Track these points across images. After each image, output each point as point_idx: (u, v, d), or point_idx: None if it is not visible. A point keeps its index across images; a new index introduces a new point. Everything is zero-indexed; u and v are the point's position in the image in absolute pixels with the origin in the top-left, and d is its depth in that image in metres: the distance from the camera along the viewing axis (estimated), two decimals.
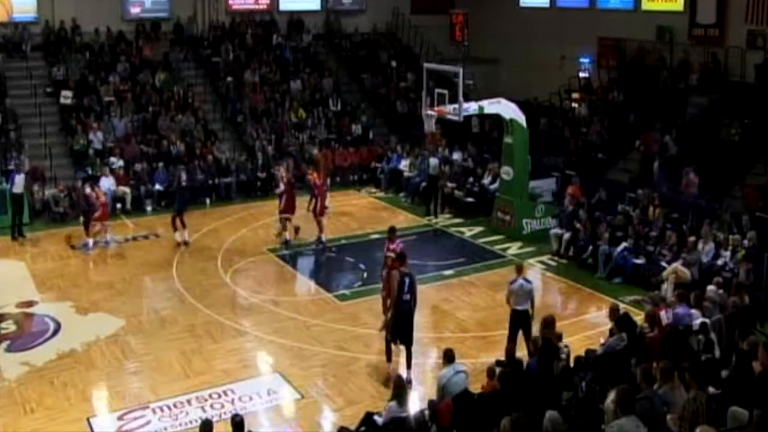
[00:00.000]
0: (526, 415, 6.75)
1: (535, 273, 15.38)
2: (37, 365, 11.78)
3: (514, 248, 17.24)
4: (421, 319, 12.88)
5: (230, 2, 27.05)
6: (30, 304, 14.23)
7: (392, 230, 13.99)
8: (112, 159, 20.79)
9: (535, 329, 11.19)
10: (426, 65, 18.52)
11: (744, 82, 19.95)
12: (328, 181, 19.57)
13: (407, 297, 10.95)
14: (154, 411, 10.45)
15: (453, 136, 22.33)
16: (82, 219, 17.89)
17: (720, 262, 14.06)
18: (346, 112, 25.18)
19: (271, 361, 12.09)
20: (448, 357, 9.37)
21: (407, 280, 10.97)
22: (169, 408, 10.51)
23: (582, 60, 24.52)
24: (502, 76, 26.36)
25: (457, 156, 21.72)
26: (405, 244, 16.52)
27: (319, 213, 17.28)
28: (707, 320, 10.34)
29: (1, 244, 17.51)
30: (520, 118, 17.85)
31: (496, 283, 15.10)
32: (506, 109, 17.72)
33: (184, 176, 18.50)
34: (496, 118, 19.27)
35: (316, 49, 27.50)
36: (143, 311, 13.97)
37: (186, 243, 17.27)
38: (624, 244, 15.38)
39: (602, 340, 10.44)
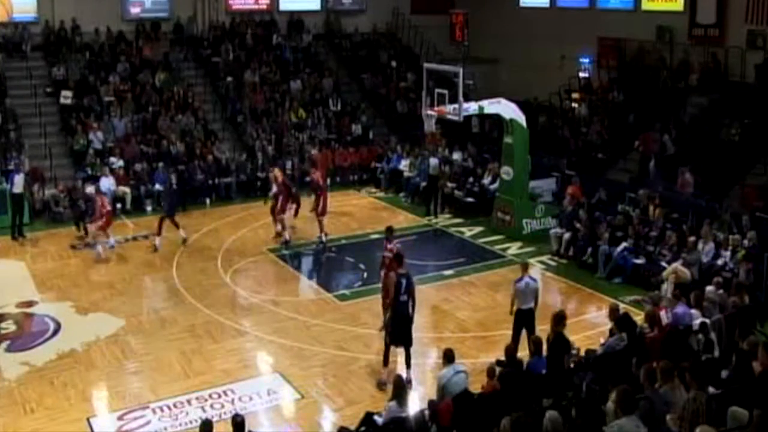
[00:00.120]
0: (526, 415, 6.75)
1: (535, 273, 15.31)
2: (37, 365, 11.78)
3: (514, 248, 17.25)
4: (421, 319, 12.88)
5: (230, 2, 27.05)
6: (30, 304, 14.23)
7: (390, 230, 13.99)
8: (112, 159, 20.80)
9: (538, 328, 11.23)
10: (426, 65, 18.52)
11: (744, 82, 19.95)
12: (328, 180, 19.60)
13: (404, 298, 10.92)
14: (154, 411, 10.45)
15: (453, 136, 22.33)
16: (74, 219, 18.00)
17: (720, 262, 14.06)
18: (346, 112, 25.19)
19: (271, 361, 12.09)
20: (448, 357, 9.36)
21: (404, 282, 10.93)
22: (169, 408, 10.51)
23: (582, 60, 24.52)
24: (502, 76, 26.36)
25: (457, 156, 21.72)
26: (405, 244, 16.62)
27: (320, 213, 17.28)
28: (707, 320, 10.35)
29: (1, 244, 17.51)
30: (520, 118, 17.85)
31: (496, 283, 15.13)
32: (506, 109, 17.72)
33: (174, 178, 18.50)
34: (496, 118, 19.27)
35: (316, 49, 27.50)
36: (143, 311, 13.97)
37: (184, 241, 17.29)
38: (624, 244, 15.38)
39: (602, 340, 10.44)
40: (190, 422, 10.12)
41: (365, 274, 15.49)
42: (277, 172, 18.10)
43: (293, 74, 25.78)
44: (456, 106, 16.68)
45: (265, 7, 27.62)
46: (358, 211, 20.38)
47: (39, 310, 13.95)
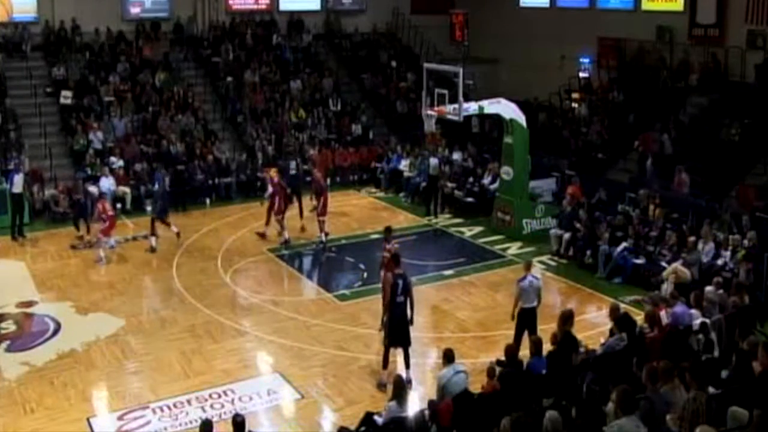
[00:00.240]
0: (526, 415, 6.75)
1: (536, 272, 15.33)
2: (37, 365, 11.78)
3: (514, 248, 17.25)
4: (421, 319, 12.88)
5: (230, 2, 27.06)
6: (30, 304, 14.23)
7: (388, 230, 14.01)
8: (112, 159, 20.79)
9: (539, 328, 11.24)
10: (426, 65, 18.52)
11: (744, 82, 19.96)
12: (328, 180, 19.61)
13: (401, 299, 10.90)
14: (154, 411, 10.45)
15: (453, 136, 22.33)
16: (80, 219, 18.03)
17: (720, 262, 14.06)
18: (346, 112, 25.19)
19: (271, 361, 12.09)
20: (448, 357, 9.36)
21: (401, 282, 10.91)
22: (169, 408, 10.51)
23: (582, 60, 24.53)
24: (502, 76, 26.37)
25: (457, 156, 21.72)
26: (405, 244, 16.67)
27: (320, 213, 17.28)
28: (707, 320, 10.35)
29: (1, 244, 17.51)
30: (520, 118, 17.85)
31: (496, 283, 15.14)
32: (506, 109, 17.73)
33: (168, 180, 18.50)
34: (496, 118, 19.27)
35: (316, 49, 27.50)
36: (143, 311, 13.97)
37: (178, 235, 17.32)
38: (624, 244, 15.38)
39: (602, 340, 10.44)
40: (190, 422, 10.11)
41: (365, 274, 15.48)
42: (272, 172, 18.10)
43: (293, 74, 25.79)
44: (456, 106, 16.68)
45: (265, 7, 27.62)
46: (358, 211, 20.39)
47: (39, 310, 13.95)
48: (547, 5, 26.24)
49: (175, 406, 10.56)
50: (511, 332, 11.60)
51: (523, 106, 18.99)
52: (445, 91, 17.06)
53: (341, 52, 27.98)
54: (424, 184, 20.49)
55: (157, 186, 17.80)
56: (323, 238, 17.27)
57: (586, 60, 24.45)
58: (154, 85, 23.93)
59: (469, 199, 19.87)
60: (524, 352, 10.27)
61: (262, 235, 17.74)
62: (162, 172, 18.77)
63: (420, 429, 8.08)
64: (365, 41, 28.29)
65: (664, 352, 8.87)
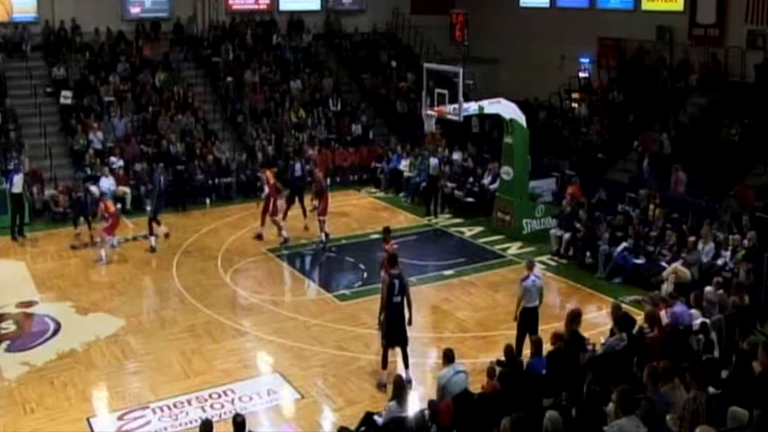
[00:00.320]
0: (526, 415, 6.75)
1: (537, 272, 15.33)
2: (37, 365, 11.78)
3: (514, 248, 17.25)
4: (421, 319, 12.91)
5: (230, 2, 27.05)
6: (30, 304, 14.23)
7: (387, 231, 14.03)
8: (112, 159, 20.79)
9: (540, 328, 11.24)
10: (426, 65, 18.52)
11: (744, 82, 19.95)
12: (328, 180, 19.61)
13: (398, 299, 10.88)
14: (154, 411, 10.45)
15: (453, 136, 22.32)
16: (80, 218, 18.06)
17: (720, 262, 14.06)
18: (346, 112, 25.19)
19: (271, 361, 12.10)
20: (448, 357, 9.36)
21: (397, 282, 10.89)
22: (169, 408, 10.51)
23: (582, 60, 24.52)
24: (502, 76, 26.37)
25: (457, 156, 21.71)
26: (405, 244, 16.69)
27: (320, 213, 17.28)
28: (707, 320, 10.35)
29: (1, 244, 17.51)
30: (520, 118, 17.85)
31: (496, 283, 15.14)
32: (506, 109, 17.72)
33: (163, 179, 18.49)
34: (496, 118, 19.27)
35: (316, 49, 27.50)
36: (143, 311, 13.98)
37: (167, 234, 17.32)
38: (624, 244, 15.38)
39: (602, 340, 10.44)
40: (190, 422, 10.11)
41: (365, 274, 15.48)
42: (268, 173, 18.12)
43: (293, 74, 25.78)
44: (456, 106, 16.68)
45: (265, 7, 27.62)
46: (358, 211, 20.39)
47: (39, 310, 13.95)
48: (547, 5, 26.23)
49: (175, 406, 10.56)
50: (511, 332, 11.61)
51: (523, 106, 19.00)
52: (445, 91, 17.05)
53: (341, 52, 27.98)
54: (424, 184, 20.49)
55: (156, 184, 17.81)
56: (323, 238, 17.28)
57: (586, 60, 24.44)
58: (154, 85, 23.93)
59: (469, 199, 19.87)
60: (527, 352, 10.27)
61: (258, 237, 17.74)
62: (158, 172, 18.79)
63: (420, 429, 8.08)
64: (365, 41, 28.29)
65: (664, 352, 8.87)
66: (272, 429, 10.16)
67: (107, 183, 19.25)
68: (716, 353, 9.61)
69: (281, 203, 18.35)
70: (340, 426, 8.70)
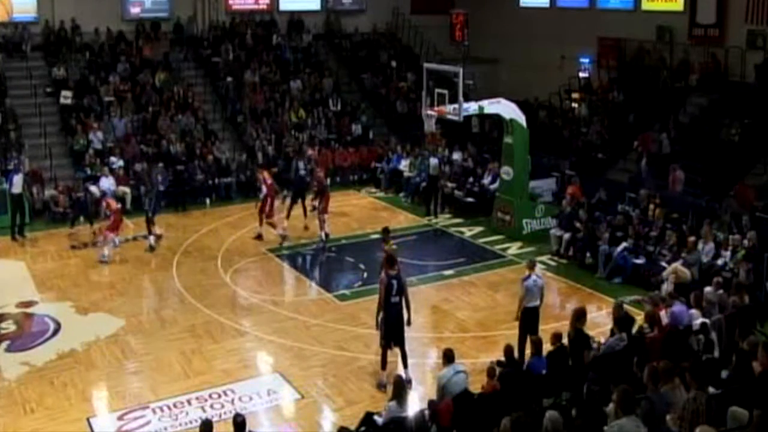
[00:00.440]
0: (526, 415, 6.75)
1: (537, 272, 15.35)
2: (37, 365, 11.78)
3: (514, 248, 17.24)
4: (421, 319, 12.92)
5: (230, 2, 27.05)
6: (30, 304, 14.23)
7: (386, 231, 14.03)
8: (112, 159, 20.79)
9: (540, 328, 11.24)
10: (426, 65, 18.52)
11: (744, 82, 19.95)
12: (328, 180, 19.61)
13: (396, 300, 10.87)
14: (154, 411, 10.45)
15: (453, 136, 22.32)
16: (79, 218, 18.09)
17: (720, 262, 14.05)
18: (346, 112, 25.19)
19: (271, 361, 12.10)
20: (448, 357, 9.36)
21: (395, 283, 10.88)
22: (169, 408, 10.51)
23: (582, 60, 24.52)
24: (502, 76, 26.37)
25: (457, 156, 21.71)
26: (405, 244, 16.69)
27: (321, 212, 17.29)
28: (707, 320, 10.35)
29: (1, 244, 17.52)
30: (520, 118, 17.85)
31: (496, 283, 15.14)
32: (506, 109, 17.72)
33: (160, 178, 18.46)
34: (496, 118, 19.28)
35: (316, 49, 27.50)
36: (143, 311, 13.98)
37: (159, 236, 17.30)
38: (624, 244, 15.38)
39: (602, 340, 10.45)
40: (190, 422, 10.11)
41: (365, 274, 15.47)
42: (266, 173, 18.12)
43: (293, 74, 25.78)
44: (456, 106, 16.68)
45: (265, 7, 27.61)
46: (358, 211, 20.39)
47: (39, 310, 13.95)
48: (547, 5, 26.23)
49: (175, 406, 10.56)
50: (511, 332, 11.63)
51: (523, 106, 19.00)
52: (445, 91, 17.05)
53: (341, 52, 27.98)
54: (424, 184, 20.49)
55: (155, 184, 17.81)
56: (323, 238, 17.27)
57: (586, 60, 24.44)
58: (154, 85, 23.92)
59: (469, 199, 19.87)
60: (529, 352, 10.27)
61: (258, 237, 17.74)
62: (156, 171, 18.77)
63: (420, 429, 8.08)
64: (365, 41, 28.29)
65: (664, 352, 8.88)
66: (272, 429, 10.16)
67: (107, 183, 19.25)
68: (716, 353, 9.62)
69: (278, 203, 18.37)
70: (340, 426, 8.70)
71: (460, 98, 16.71)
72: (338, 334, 12.83)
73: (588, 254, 15.93)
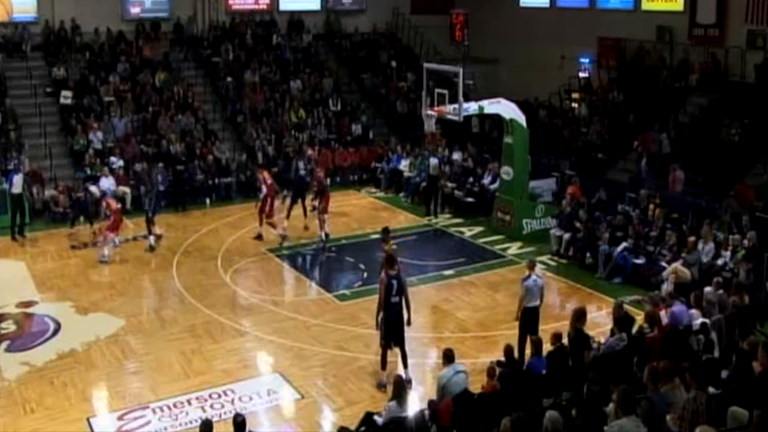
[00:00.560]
0: (526, 415, 6.75)
1: (537, 272, 15.35)
2: (37, 365, 11.78)
3: (514, 248, 17.24)
4: (421, 319, 12.92)
5: (230, 2, 27.05)
6: (30, 304, 14.23)
7: (386, 231, 14.03)
8: (112, 159, 20.79)
9: (540, 328, 11.24)
10: (426, 65, 18.52)
11: (744, 82, 19.96)
12: (328, 180, 19.61)
13: (396, 299, 10.87)
14: (154, 411, 10.45)
15: (453, 136, 22.33)
16: (79, 218, 18.10)
17: (720, 262, 14.05)
18: (346, 112, 25.19)
19: (271, 361, 12.10)
20: (448, 357, 9.36)
21: (395, 283, 10.88)
22: (169, 408, 10.51)
23: (582, 60, 24.52)
24: (502, 76, 26.37)
25: (457, 156, 21.71)
26: (405, 244, 16.69)
27: (321, 211, 17.29)
28: (707, 320, 10.35)
29: (1, 244, 17.52)
30: (520, 118, 17.85)
31: (496, 283, 15.14)
32: (506, 109, 17.72)
33: (160, 178, 18.47)
34: (496, 118, 19.28)
35: (316, 49, 27.50)
36: (143, 311, 13.98)
37: (158, 236, 17.29)
38: (624, 244, 15.38)
39: (602, 340, 10.45)
40: (190, 422, 10.11)
41: (365, 274, 15.47)
42: (265, 173, 18.12)
43: (293, 74, 25.78)
44: (456, 106, 16.68)
45: (265, 7, 27.61)
46: (358, 211, 20.39)
47: (39, 310, 13.95)
48: (547, 5, 26.23)
49: (175, 406, 10.55)
50: (511, 332, 11.63)
51: (523, 106, 19.00)
52: (445, 91, 17.05)
53: (341, 52, 27.97)
54: (424, 184, 20.49)
55: (154, 184, 17.81)
56: (323, 237, 17.27)
57: (586, 60, 24.44)
58: (154, 85, 23.92)
59: (469, 199, 19.87)
60: (529, 352, 10.27)
61: (258, 237, 17.74)
62: (156, 172, 18.77)
63: (420, 429, 8.08)
64: (365, 41, 28.29)
65: (664, 352, 8.88)
66: (272, 429, 10.16)
67: (107, 183, 19.25)
68: (716, 353, 9.62)
69: (278, 203, 18.38)
70: (340, 426, 8.70)
71: (460, 98, 16.71)
72: (338, 334, 12.83)
73: (588, 254, 15.93)
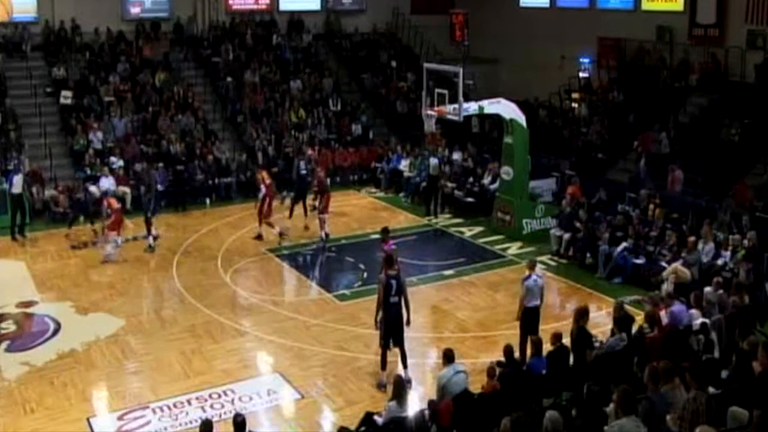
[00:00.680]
0: (526, 415, 6.75)
1: (537, 272, 15.34)
2: (37, 365, 11.78)
3: (514, 248, 17.24)
4: (421, 319, 12.93)
5: (230, 2, 27.05)
6: (30, 304, 14.23)
7: (385, 231, 14.03)
8: (112, 159, 20.79)
9: (540, 327, 11.25)
10: (426, 65, 18.52)
11: (744, 82, 19.96)
12: (328, 180, 19.61)
13: (395, 299, 10.87)
14: (154, 411, 10.45)
15: (453, 136, 22.33)
16: (79, 218, 18.11)
17: (720, 262, 14.05)
18: (346, 112, 25.19)
19: (271, 361, 12.09)
20: (448, 357, 9.36)
21: (394, 283, 10.87)
22: (169, 408, 10.51)
23: (582, 60, 24.53)
24: (502, 76, 26.37)
25: (457, 156, 21.72)
26: (405, 244, 16.69)
27: (321, 211, 17.29)
28: (707, 320, 10.35)
29: (1, 244, 17.51)
30: (520, 118, 17.85)
31: (496, 283, 15.14)
32: (506, 109, 17.73)
33: (159, 179, 18.50)
34: (496, 118, 19.28)
35: (316, 49, 27.50)
36: (143, 311, 13.98)
37: (156, 237, 17.26)
38: (624, 244, 15.38)
39: (604, 339, 10.45)
40: (190, 422, 10.11)
41: (365, 274, 15.47)
42: (264, 173, 18.12)
43: (293, 74, 25.78)
44: (456, 106, 16.68)
45: (265, 7, 27.62)
46: (358, 211, 20.39)
47: (39, 310, 13.94)
48: (547, 5, 26.24)
49: (175, 406, 10.55)
50: (511, 332, 11.64)
51: (523, 106, 19.00)
52: (445, 91, 17.06)
53: (341, 52, 27.98)
54: (424, 184, 20.49)
55: (153, 185, 17.82)
56: (323, 237, 17.27)
57: (586, 60, 24.45)
58: (154, 85, 23.93)
59: (469, 199, 19.87)
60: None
61: (258, 237, 17.74)
62: (153, 173, 18.77)
63: (420, 429, 8.08)
64: (365, 41, 28.29)
65: (664, 352, 8.88)
66: (272, 429, 10.16)
67: (107, 183, 19.22)
68: (716, 353, 9.62)
69: (277, 203, 18.38)
70: (340, 426, 8.70)
71: (460, 98, 16.71)
72: (338, 334, 12.83)
73: (588, 254, 15.93)
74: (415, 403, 9.62)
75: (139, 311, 13.92)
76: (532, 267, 11.75)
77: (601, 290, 14.80)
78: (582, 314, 10.08)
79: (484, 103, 17.61)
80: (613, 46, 23.40)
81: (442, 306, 14.19)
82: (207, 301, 14.21)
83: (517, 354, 10.42)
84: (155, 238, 17.23)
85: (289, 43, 27.04)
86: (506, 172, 18.24)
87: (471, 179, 20.33)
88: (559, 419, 6.68)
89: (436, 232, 18.83)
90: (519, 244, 17.46)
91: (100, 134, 21.64)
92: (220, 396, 10.80)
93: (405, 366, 11.03)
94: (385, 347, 11.00)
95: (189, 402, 10.64)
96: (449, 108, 16.83)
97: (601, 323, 12.43)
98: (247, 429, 7.85)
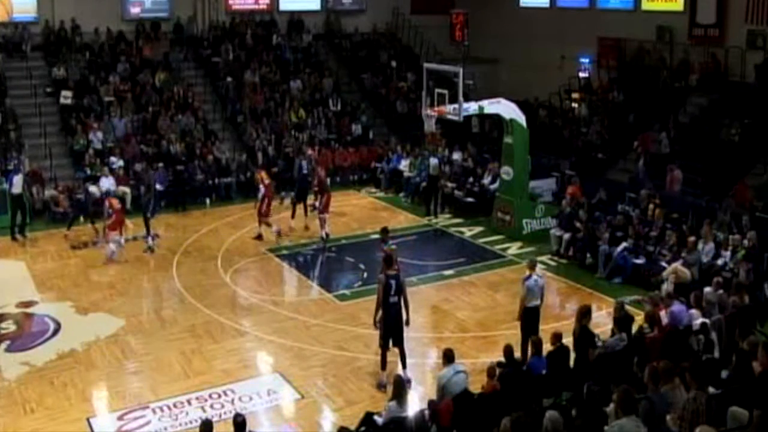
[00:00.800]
0: (526, 415, 6.75)
1: (538, 272, 15.34)
2: (37, 365, 11.78)
3: (514, 248, 17.24)
4: (420, 319, 12.93)
5: (230, 2, 27.06)
6: (30, 304, 14.23)
7: (385, 231, 14.02)
8: (112, 159, 20.79)
9: (540, 328, 11.25)
10: (426, 65, 18.53)
11: (744, 82, 19.96)
12: (328, 180, 19.61)
13: (394, 299, 10.87)
14: (154, 411, 10.45)
15: (453, 136, 22.33)
16: (78, 218, 18.11)
17: (720, 262, 14.05)
18: (346, 112, 25.19)
19: (271, 361, 12.10)
20: (448, 357, 9.36)
21: (393, 283, 10.87)
22: (169, 408, 10.51)
23: (582, 60, 24.53)
24: (502, 76, 26.38)
25: (457, 156, 21.72)
26: (405, 244, 16.69)
27: (321, 211, 17.29)
28: (707, 320, 10.35)
29: (1, 244, 17.52)
30: (520, 118, 17.85)
31: (496, 283, 15.14)
32: (506, 109, 17.73)
33: (158, 179, 18.50)
34: (496, 118, 19.28)
35: (316, 49, 27.50)
36: (143, 311, 13.98)
37: (155, 237, 17.27)
38: (624, 244, 15.38)
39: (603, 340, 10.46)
40: (190, 422, 10.11)
41: (365, 274, 15.47)
42: (263, 173, 18.13)
43: (293, 74, 25.78)
44: (456, 106, 16.68)
45: (265, 7, 27.62)
46: (358, 211, 20.39)
47: (39, 310, 13.94)
48: (547, 5, 26.24)
49: (175, 406, 10.55)
50: (511, 332, 11.64)
51: (523, 106, 19.00)
52: (445, 91, 17.06)
53: (341, 52, 27.98)
54: (424, 184, 20.49)
55: (152, 185, 17.84)
56: (323, 236, 17.27)
57: (586, 60, 24.45)
58: (154, 85, 23.93)
59: (469, 199, 19.87)
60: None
61: (258, 237, 17.74)
62: (152, 173, 18.77)
63: (420, 429, 8.08)
64: (365, 41, 28.29)
65: (664, 352, 8.88)
66: (272, 429, 10.16)
67: (107, 183, 19.27)
68: (716, 353, 9.62)
69: (276, 203, 18.38)
70: (340, 426, 8.70)
71: (460, 98, 16.71)
72: (338, 334, 12.83)
73: (588, 254, 15.93)
74: (415, 403, 9.62)
75: (139, 311, 13.92)
76: (532, 267, 11.75)
77: (601, 290, 14.80)
78: (584, 313, 10.08)
79: (484, 103, 17.61)
80: (613, 46, 23.40)
81: (442, 306, 14.19)
82: (207, 301, 14.21)
83: (517, 354, 10.42)
84: (154, 239, 17.23)
85: (289, 43, 27.04)
86: (506, 172, 18.24)
87: (471, 179, 20.33)
88: (559, 419, 6.68)
89: (436, 232, 18.83)
90: (519, 244, 17.46)
91: (100, 134, 21.65)
92: (220, 396, 10.80)
93: (404, 366, 11.02)
94: (384, 347, 10.99)
95: (189, 402, 10.63)
96: (449, 108, 16.83)
97: (601, 323, 12.40)
98: (247, 429, 7.85)
